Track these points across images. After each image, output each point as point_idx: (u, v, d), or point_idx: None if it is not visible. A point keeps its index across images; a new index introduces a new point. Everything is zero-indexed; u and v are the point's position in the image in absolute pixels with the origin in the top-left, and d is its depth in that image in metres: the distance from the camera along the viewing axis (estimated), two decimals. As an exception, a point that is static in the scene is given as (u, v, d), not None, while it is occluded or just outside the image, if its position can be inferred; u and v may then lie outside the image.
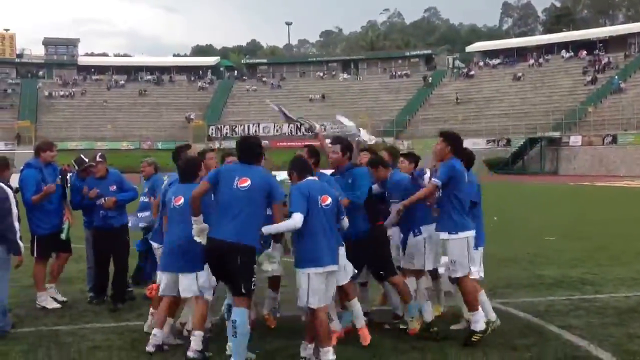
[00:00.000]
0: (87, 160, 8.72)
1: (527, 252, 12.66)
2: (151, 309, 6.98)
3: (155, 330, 6.39)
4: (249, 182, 5.80)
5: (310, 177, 6.15)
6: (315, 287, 5.89)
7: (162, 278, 6.51)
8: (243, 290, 5.72)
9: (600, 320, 7.50)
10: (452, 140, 6.99)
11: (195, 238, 6.00)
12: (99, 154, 8.76)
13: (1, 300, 6.90)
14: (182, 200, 6.35)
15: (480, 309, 6.66)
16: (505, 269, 10.83)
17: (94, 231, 8.50)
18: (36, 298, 8.16)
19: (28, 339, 6.72)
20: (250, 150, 6.05)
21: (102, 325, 7.24)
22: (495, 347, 6.46)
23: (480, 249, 7.32)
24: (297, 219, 5.79)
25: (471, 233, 6.76)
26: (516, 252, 12.65)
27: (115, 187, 8.49)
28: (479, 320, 6.58)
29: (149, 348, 6.28)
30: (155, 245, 7.18)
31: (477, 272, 7.09)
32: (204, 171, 6.65)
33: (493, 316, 6.97)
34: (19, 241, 6.89)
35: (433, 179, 6.68)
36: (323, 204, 5.93)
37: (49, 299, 8.14)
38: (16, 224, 6.86)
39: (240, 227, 5.74)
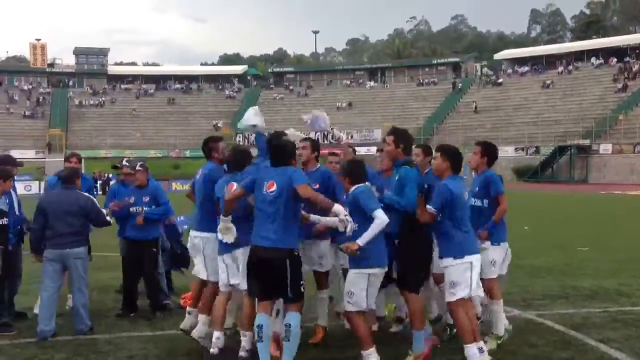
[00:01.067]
0: (126, 164, 8.81)
1: (560, 263, 12.52)
2: (188, 307, 7.12)
3: (217, 333, 6.47)
4: (275, 186, 5.85)
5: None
6: (374, 287, 5.99)
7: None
8: (291, 295, 5.79)
9: (638, 333, 7.37)
10: (450, 156, 6.39)
11: (220, 236, 6.18)
12: (140, 162, 8.74)
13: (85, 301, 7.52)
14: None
15: (473, 344, 6.03)
16: (539, 279, 10.73)
17: (124, 241, 8.56)
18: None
19: (67, 347, 6.81)
20: (279, 152, 6.08)
21: (139, 334, 7.30)
22: (532, 359, 6.40)
23: (499, 246, 7.08)
24: (384, 216, 5.85)
25: (476, 257, 6.22)
26: (549, 263, 12.53)
27: (148, 198, 8.49)
28: (473, 356, 6.01)
29: (214, 350, 6.42)
30: (194, 233, 7.04)
31: (493, 272, 6.90)
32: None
33: (501, 330, 6.74)
34: None
35: (428, 207, 6.07)
36: None
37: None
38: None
39: (282, 231, 5.79)
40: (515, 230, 18.66)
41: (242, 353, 6.16)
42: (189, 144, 69.85)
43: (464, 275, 6.06)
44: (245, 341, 6.20)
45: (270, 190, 5.84)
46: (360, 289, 5.92)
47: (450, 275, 6.10)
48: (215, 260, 6.58)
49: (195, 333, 6.74)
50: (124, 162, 8.92)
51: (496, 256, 6.97)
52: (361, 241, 5.74)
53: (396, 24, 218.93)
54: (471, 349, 5.98)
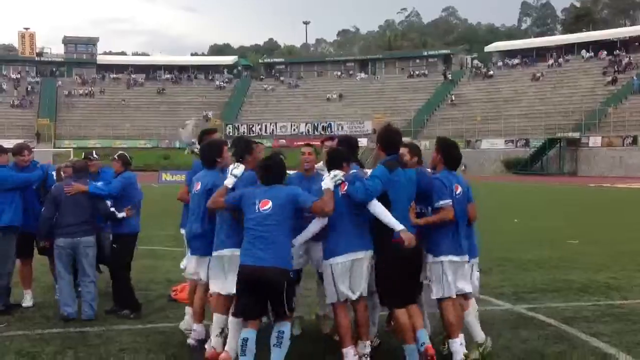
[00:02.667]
0: (96, 157, 8.78)
1: (550, 256, 12.55)
2: (187, 307, 7.02)
3: (196, 326, 6.53)
4: (270, 204, 5.70)
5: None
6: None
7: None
8: (287, 312, 5.72)
9: (629, 327, 7.40)
10: (443, 149, 6.39)
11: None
12: (119, 153, 8.59)
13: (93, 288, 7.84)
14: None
15: (459, 336, 6.02)
16: (530, 273, 10.76)
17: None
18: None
19: (57, 340, 6.75)
20: (273, 171, 5.94)
21: (129, 327, 7.25)
22: (523, 354, 6.40)
23: (473, 260, 6.56)
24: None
25: (456, 258, 6.08)
26: (539, 256, 12.55)
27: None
28: (458, 351, 5.99)
29: (191, 341, 6.53)
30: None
31: (465, 288, 6.35)
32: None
33: (482, 337, 6.36)
34: None
35: (442, 202, 6.01)
36: None
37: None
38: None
39: (277, 251, 5.67)
40: (505, 223, 18.81)
41: (190, 341, 6.45)
42: (178, 134, 69.41)
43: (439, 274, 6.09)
44: (196, 332, 6.44)
45: (264, 209, 5.69)
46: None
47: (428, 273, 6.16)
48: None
49: (182, 325, 6.74)
50: (94, 155, 8.82)
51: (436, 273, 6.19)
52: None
53: (387, 16, 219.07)
54: (455, 343, 6.02)
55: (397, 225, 5.72)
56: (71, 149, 61.45)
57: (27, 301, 8.24)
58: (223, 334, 6.09)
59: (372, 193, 5.72)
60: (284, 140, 69.50)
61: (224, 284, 6.13)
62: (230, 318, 5.97)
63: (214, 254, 6.21)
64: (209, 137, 7.15)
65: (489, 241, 14.72)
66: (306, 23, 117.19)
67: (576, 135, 57.52)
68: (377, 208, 5.76)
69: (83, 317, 7.53)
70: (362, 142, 60.52)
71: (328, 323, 6.96)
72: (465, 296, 6.32)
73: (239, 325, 5.84)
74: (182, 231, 7.12)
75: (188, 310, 6.91)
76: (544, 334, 7.11)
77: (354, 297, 5.91)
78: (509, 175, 57.39)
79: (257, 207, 5.71)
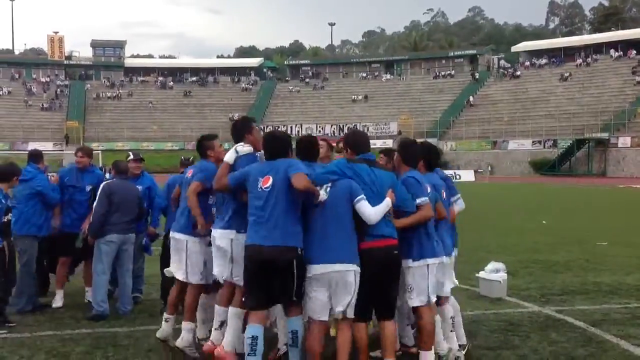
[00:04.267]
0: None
1: (579, 258, 12.42)
2: (165, 314, 6.67)
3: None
4: (270, 181, 5.45)
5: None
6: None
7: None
8: (295, 298, 5.44)
9: (659, 330, 7.30)
10: (401, 149, 6.14)
11: None
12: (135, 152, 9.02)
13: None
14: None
15: (432, 349, 5.73)
16: (558, 275, 10.66)
17: None
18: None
19: (87, 340, 6.83)
20: (275, 143, 5.71)
21: (157, 328, 7.24)
22: (552, 357, 6.35)
23: (448, 258, 6.11)
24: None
25: (434, 260, 5.79)
26: (568, 258, 12.43)
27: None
28: None
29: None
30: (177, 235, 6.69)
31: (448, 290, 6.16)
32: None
33: (455, 346, 6.11)
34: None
35: (419, 200, 5.69)
36: None
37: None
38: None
39: (284, 229, 5.36)
40: (532, 224, 18.67)
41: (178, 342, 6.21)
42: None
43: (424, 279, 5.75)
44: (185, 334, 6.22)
45: (265, 186, 5.44)
46: (425, 282, 5.72)
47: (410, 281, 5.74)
48: (197, 263, 6.33)
49: (180, 342, 6.30)
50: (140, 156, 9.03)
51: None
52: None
53: (413, 16, 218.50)
54: (429, 354, 5.72)
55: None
56: (99, 151, 62.08)
57: (58, 301, 8.34)
58: (223, 327, 5.89)
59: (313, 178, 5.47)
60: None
61: (227, 270, 5.88)
62: (231, 310, 5.76)
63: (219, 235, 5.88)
64: (208, 143, 6.80)
65: (516, 242, 14.71)
66: (331, 24, 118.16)
67: (605, 135, 56.84)
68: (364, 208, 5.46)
69: (121, 312, 7.91)
70: (388, 143, 60.47)
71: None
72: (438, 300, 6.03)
73: (240, 319, 5.69)
74: (179, 236, 6.59)
75: (185, 326, 6.41)
76: (572, 336, 7.04)
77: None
78: (537, 176, 56.89)
79: (259, 184, 5.48)
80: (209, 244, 6.10)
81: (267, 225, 5.37)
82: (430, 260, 5.75)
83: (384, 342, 5.61)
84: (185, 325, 6.36)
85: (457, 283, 6.56)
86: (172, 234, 6.69)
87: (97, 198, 7.96)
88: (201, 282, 6.38)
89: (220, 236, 5.85)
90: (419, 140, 7.04)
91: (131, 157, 8.90)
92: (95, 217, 7.90)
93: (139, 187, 8.59)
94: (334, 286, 5.35)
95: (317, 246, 5.36)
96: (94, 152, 10.03)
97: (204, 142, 6.78)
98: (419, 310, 5.73)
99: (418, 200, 5.71)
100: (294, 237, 5.37)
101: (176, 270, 6.56)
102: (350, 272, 5.33)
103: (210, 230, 6.05)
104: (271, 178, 5.44)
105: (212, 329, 6.05)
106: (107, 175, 9.43)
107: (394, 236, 5.53)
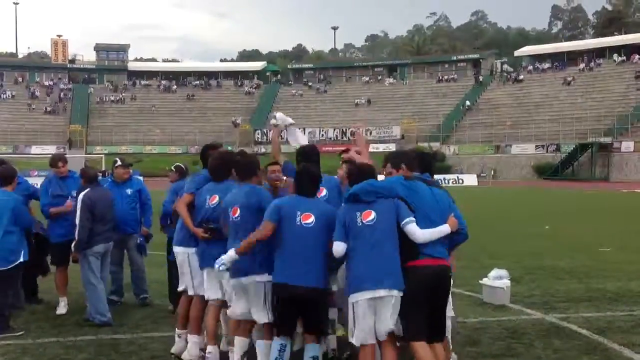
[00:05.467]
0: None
1: (582, 264, 12.38)
2: (177, 330, 6.68)
3: (210, 348, 6.18)
4: (313, 218, 5.42)
5: None
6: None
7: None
8: (319, 327, 5.58)
9: (664, 338, 7.27)
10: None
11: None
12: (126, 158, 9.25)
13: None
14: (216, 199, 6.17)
15: None
16: (562, 281, 10.62)
17: None
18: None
19: (90, 347, 6.83)
20: (312, 180, 5.67)
21: (161, 335, 7.29)
22: (556, 365, 6.34)
23: None
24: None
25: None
26: (571, 264, 12.38)
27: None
28: None
29: None
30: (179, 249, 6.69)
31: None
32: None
33: None
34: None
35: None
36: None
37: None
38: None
39: (319, 269, 5.42)
40: (535, 229, 18.62)
41: None
42: (208, 140, 69.51)
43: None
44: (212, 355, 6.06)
45: (306, 222, 5.40)
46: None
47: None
48: (201, 274, 6.29)
49: (186, 356, 6.34)
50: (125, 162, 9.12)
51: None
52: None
53: (416, 20, 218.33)
54: None
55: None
56: (102, 155, 62.17)
57: (61, 308, 8.33)
58: (245, 358, 5.85)
59: None
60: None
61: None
62: (259, 341, 5.73)
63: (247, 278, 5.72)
64: (213, 152, 6.72)
65: (520, 248, 14.67)
66: (334, 28, 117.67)
67: (608, 140, 56.78)
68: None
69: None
70: (391, 147, 60.48)
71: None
72: None
73: (268, 349, 5.63)
74: (180, 249, 6.61)
75: (190, 337, 6.43)
76: (576, 344, 7.01)
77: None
78: (539, 180, 56.84)
79: (298, 219, 5.40)
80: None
81: (303, 263, 5.36)
82: None
83: None
84: (191, 337, 6.36)
85: None
86: (174, 248, 6.71)
87: (78, 211, 7.73)
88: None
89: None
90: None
91: (119, 163, 8.99)
92: (82, 233, 7.69)
93: (128, 191, 8.76)
94: (377, 311, 5.19)
95: (362, 271, 5.17)
96: (97, 155, 10.16)
97: (208, 150, 6.76)
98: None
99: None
100: (325, 278, 5.52)
101: (182, 283, 6.60)
102: (393, 297, 5.17)
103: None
104: (313, 215, 5.44)
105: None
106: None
107: (446, 257, 5.39)
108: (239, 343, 5.84)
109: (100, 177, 8.93)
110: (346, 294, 5.32)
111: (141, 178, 9.12)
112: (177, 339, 6.55)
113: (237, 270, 5.65)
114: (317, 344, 5.53)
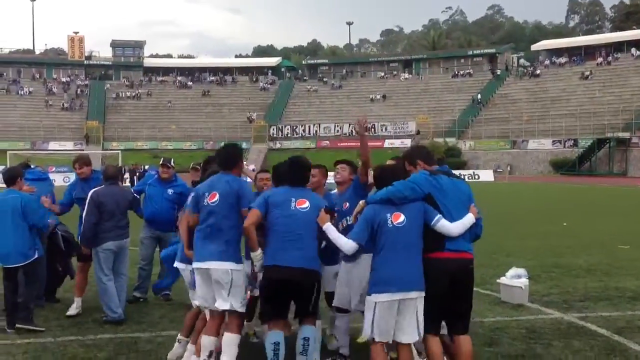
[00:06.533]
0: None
1: (601, 262, 12.26)
2: (179, 336, 6.61)
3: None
4: (307, 203, 5.63)
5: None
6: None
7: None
8: (311, 311, 5.66)
9: (684, 338, 7.20)
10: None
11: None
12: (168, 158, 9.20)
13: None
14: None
15: None
16: (580, 279, 10.53)
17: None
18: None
19: (109, 346, 6.87)
20: (300, 171, 5.84)
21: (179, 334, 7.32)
22: (576, 365, 6.30)
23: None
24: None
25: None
26: (589, 262, 12.27)
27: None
28: None
29: None
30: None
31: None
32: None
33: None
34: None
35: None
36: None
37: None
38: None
39: (312, 252, 5.60)
40: (553, 226, 18.49)
41: None
42: (223, 135, 70.28)
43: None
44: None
45: (302, 207, 5.59)
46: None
47: None
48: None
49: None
50: (172, 163, 9.07)
51: None
52: None
53: (431, 15, 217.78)
54: None
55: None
56: (119, 151, 62.55)
57: (72, 309, 8.23)
58: (212, 357, 5.77)
59: None
60: (327, 142, 69.57)
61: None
62: (227, 337, 5.67)
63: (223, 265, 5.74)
64: (211, 166, 6.75)
65: (537, 246, 14.56)
66: (349, 23, 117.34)
67: (626, 135, 56.29)
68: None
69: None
70: (406, 142, 60.36)
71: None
72: None
73: (236, 343, 5.67)
74: (182, 265, 6.54)
75: (190, 347, 6.35)
76: (595, 344, 6.95)
77: None
78: (557, 176, 56.48)
79: (292, 205, 5.59)
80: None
81: (295, 246, 5.51)
82: None
83: (459, 359, 5.46)
84: (191, 347, 6.30)
85: None
86: (177, 264, 6.61)
87: (86, 207, 7.90)
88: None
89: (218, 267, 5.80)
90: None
91: (161, 162, 9.10)
92: (86, 227, 7.86)
93: (170, 190, 8.75)
94: (400, 312, 5.25)
95: (390, 273, 5.22)
96: (113, 151, 10.16)
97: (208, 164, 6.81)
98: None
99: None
100: (317, 261, 5.68)
101: (191, 296, 6.55)
102: (417, 299, 5.25)
103: None
104: (308, 201, 5.64)
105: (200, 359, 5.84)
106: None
107: (470, 250, 5.48)
108: (206, 342, 5.80)
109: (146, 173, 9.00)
110: (369, 291, 5.33)
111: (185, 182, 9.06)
112: (176, 344, 6.49)
113: (202, 255, 5.74)
114: (312, 325, 5.62)
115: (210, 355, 5.76)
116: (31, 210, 7.58)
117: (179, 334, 6.57)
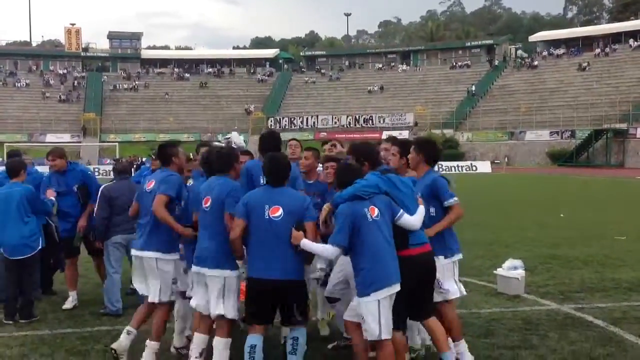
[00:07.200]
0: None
1: (597, 253, 12.29)
2: (128, 326, 6.44)
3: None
4: (281, 211, 5.37)
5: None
6: None
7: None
8: (299, 319, 5.54)
9: (680, 329, 7.22)
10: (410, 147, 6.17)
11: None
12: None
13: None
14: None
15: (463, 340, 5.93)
16: (577, 271, 10.56)
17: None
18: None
19: (106, 338, 6.88)
20: (280, 171, 5.57)
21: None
22: (571, 357, 6.31)
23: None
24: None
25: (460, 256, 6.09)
26: (586, 253, 12.29)
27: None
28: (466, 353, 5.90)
29: None
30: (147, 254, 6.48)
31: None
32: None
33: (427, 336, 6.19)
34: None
35: (451, 200, 5.86)
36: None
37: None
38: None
39: (293, 260, 5.41)
40: (550, 217, 18.52)
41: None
42: (221, 127, 70.19)
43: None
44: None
45: (274, 216, 5.35)
46: None
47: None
48: (168, 282, 6.19)
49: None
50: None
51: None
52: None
53: (429, 6, 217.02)
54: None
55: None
56: (116, 143, 62.54)
57: (68, 303, 8.23)
58: (203, 355, 5.77)
59: None
60: (325, 133, 69.54)
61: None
62: (217, 339, 5.64)
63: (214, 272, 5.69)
64: (173, 150, 6.60)
65: (534, 237, 14.59)
66: (347, 15, 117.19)
67: (623, 126, 56.34)
68: None
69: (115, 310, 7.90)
70: (403, 134, 60.32)
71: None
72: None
73: (227, 347, 5.65)
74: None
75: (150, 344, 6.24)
76: (591, 335, 6.98)
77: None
78: (554, 167, 56.53)
79: (266, 213, 5.36)
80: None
81: (275, 255, 5.36)
82: (457, 257, 6.01)
83: (436, 337, 5.63)
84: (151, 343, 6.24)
85: None
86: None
87: (97, 202, 8.03)
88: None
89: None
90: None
91: (151, 152, 9.01)
92: (98, 222, 8.00)
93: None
94: (388, 306, 5.28)
95: (384, 267, 5.21)
96: (111, 143, 10.08)
97: (167, 149, 6.54)
98: (442, 306, 5.83)
99: (451, 200, 5.87)
100: (301, 269, 5.56)
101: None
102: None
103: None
104: (281, 208, 5.39)
105: (192, 357, 5.77)
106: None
107: (428, 241, 5.59)
108: (198, 340, 5.79)
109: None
110: (366, 292, 5.22)
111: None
112: (124, 334, 6.25)
113: (198, 259, 5.73)
114: (303, 327, 5.58)
115: (201, 354, 5.75)
116: (36, 198, 7.73)
117: (129, 325, 6.33)
